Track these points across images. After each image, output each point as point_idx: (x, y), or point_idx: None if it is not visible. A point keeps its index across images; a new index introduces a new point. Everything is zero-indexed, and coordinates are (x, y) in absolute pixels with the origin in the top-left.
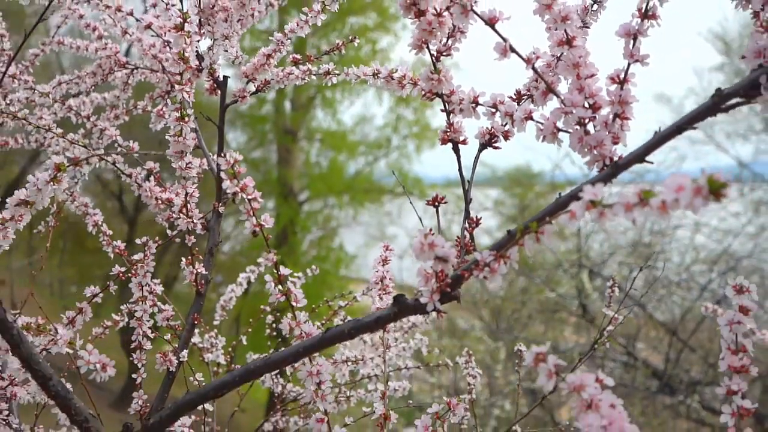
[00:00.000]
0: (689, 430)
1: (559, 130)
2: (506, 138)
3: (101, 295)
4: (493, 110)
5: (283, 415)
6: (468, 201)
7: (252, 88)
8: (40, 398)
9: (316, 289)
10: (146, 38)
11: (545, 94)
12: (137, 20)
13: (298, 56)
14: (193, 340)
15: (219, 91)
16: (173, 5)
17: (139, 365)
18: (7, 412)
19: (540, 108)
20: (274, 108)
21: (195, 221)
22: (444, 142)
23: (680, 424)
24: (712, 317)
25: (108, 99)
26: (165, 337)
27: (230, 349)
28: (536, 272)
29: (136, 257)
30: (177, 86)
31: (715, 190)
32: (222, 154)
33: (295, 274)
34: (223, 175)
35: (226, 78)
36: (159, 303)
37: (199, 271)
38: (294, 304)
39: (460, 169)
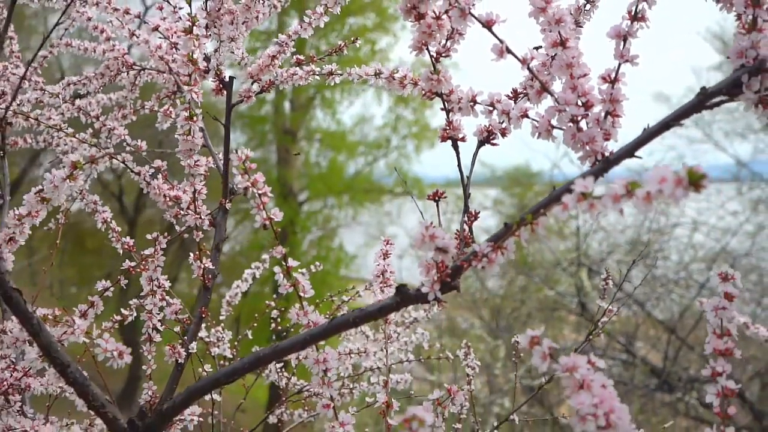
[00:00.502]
0: (688, 428)
1: (553, 127)
2: (503, 135)
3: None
4: (491, 108)
5: (287, 408)
6: (467, 196)
7: (256, 88)
8: (52, 389)
9: (317, 288)
10: (153, 40)
11: (540, 92)
12: (145, 23)
13: (302, 57)
14: (199, 334)
15: (225, 92)
16: (180, 8)
17: (149, 357)
18: (20, 404)
19: (535, 106)
20: (273, 108)
21: (203, 217)
22: (444, 139)
23: (679, 421)
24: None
25: (114, 99)
26: (174, 329)
27: (236, 343)
28: (535, 271)
29: (146, 252)
30: (186, 87)
31: (694, 181)
32: (235, 150)
33: (300, 270)
34: (234, 170)
35: (232, 78)
36: (167, 297)
37: (206, 265)
38: (302, 294)
39: (459, 166)
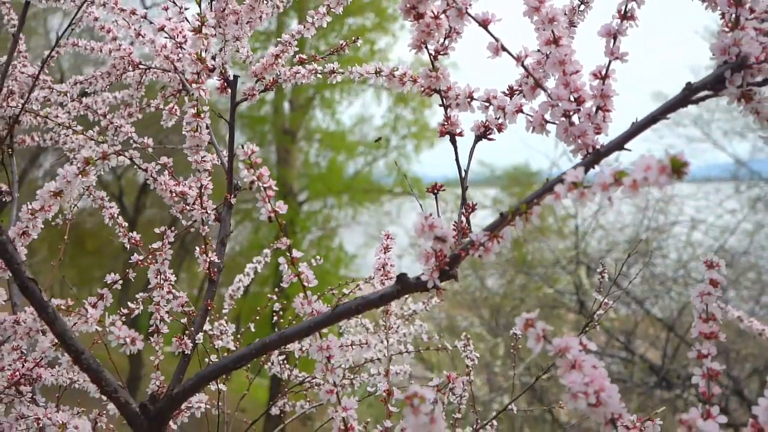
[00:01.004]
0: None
1: (546, 121)
2: (500, 130)
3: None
4: (487, 104)
5: (289, 400)
6: (464, 188)
7: (260, 86)
8: (62, 380)
9: (317, 288)
10: (159, 40)
11: (534, 89)
12: (151, 23)
13: (304, 56)
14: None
15: (229, 90)
16: (186, 8)
17: (157, 348)
18: (31, 394)
19: (530, 102)
20: (273, 109)
21: (209, 212)
22: (442, 134)
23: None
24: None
25: (119, 98)
26: (182, 321)
27: (239, 336)
28: (535, 270)
29: (154, 245)
30: (194, 84)
31: (677, 168)
32: (241, 146)
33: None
34: (240, 164)
35: (236, 77)
36: (174, 291)
37: (212, 259)
38: (306, 284)
39: (457, 160)
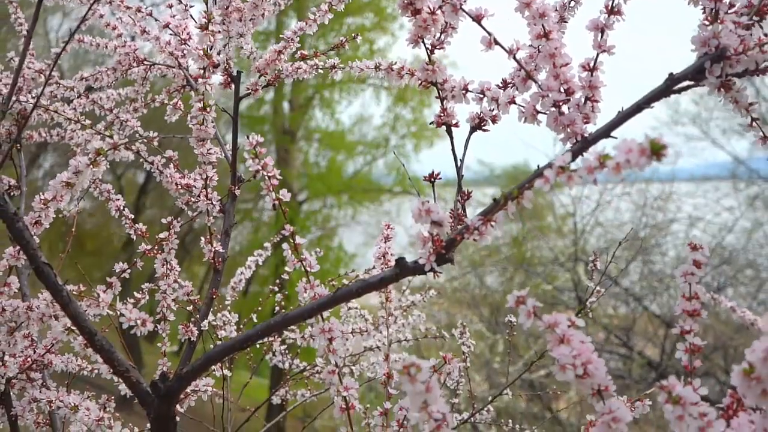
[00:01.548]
0: None
1: (537, 111)
2: (494, 121)
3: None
4: (481, 96)
5: (290, 389)
6: (460, 177)
7: (263, 81)
8: (72, 367)
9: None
10: (163, 36)
11: (525, 80)
12: (156, 20)
13: (306, 52)
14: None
15: (233, 85)
16: (191, 6)
17: (163, 335)
18: (41, 381)
19: (522, 93)
20: (272, 109)
21: (214, 203)
22: (438, 125)
23: None
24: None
25: (123, 93)
26: (188, 308)
27: (241, 326)
28: (534, 268)
29: (161, 235)
30: (200, 79)
31: (656, 150)
32: (247, 136)
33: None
34: (245, 155)
35: (239, 73)
36: (179, 280)
37: (216, 249)
38: (308, 269)
39: (453, 150)
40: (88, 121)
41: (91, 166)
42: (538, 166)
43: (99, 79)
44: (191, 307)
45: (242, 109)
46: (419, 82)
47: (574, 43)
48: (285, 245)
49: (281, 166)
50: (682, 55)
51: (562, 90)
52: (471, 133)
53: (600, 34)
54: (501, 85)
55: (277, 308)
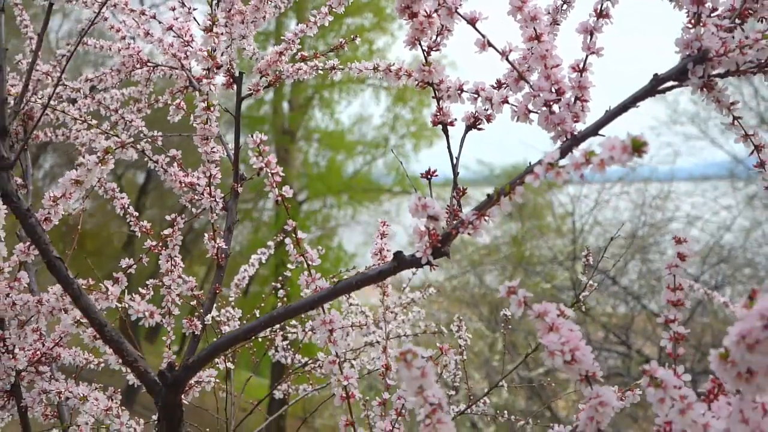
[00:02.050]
0: None
1: (529, 111)
2: (488, 120)
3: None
4: (476, 96)
5: (292, 383)
6: (456, 174)
7: (265, 82)
8: (79, 361)
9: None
10: (166, 38)
11: (517, 81)
12: (160, 23)
13: (306, 54)
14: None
15: (235, 86)
16: (194, 9)
17: (168, 328)
18: (50, 373)
19: (515, 93)
20: (272, 109)
21: (217, 200)
22: (434, 124)
23: None
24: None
25: (126, 94)
26: (192, 303)
27: (244, 322)
28: (534, 267)
29: (165, 232)
30: (204, 80)
31: (637, 147)
32: (250, 135)
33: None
34: (250, 153)
35: (241, 74)
36: (183, 276)
37: (220, 245)
38: (310, 262)
39: (449, 147)
40: (94, 121)
41: (100, 164)
42: (529, 164)
43: (103, 81)
44: (195, 301)
45: (242, 109)
46: (416, 82)
47: (567, 44)
48: (288, 241)
49: (281, 165)
50: (672, 56)
51: (553, 90)
52: (466, 131)
53: (589, 37)
54: (495, 85)
55: (279, 304)
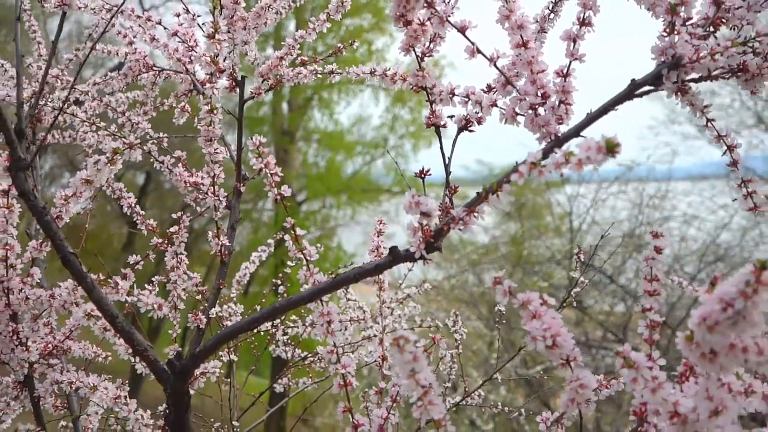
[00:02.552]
0: None
1: (517, 113)
2: (479, 123)
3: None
4: (466, 99)
5: (292, 377)
6: (448, 173)
7: (266, 85)
8: (88, 354)
9: None
10: (171, 44)
11: (505, 86)
12: (165, 28)
13: (306, 58)
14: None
15: (238, 89)
16: (198, 16)
17: (174, 322)
18: (60, 366)
19: (504, 97)
20: (271, 110)
21: (221, 199)
22: (428, 125)
23: None
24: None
25: (131, 96)
26: (197, 297)
27: (246, 317)
28: (532, 266)
29: (172, 229)
30: (208, 84)
31: (610, 148)
32: (250, 137)
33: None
34: (250, 154)
35: (243, 77)
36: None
37: (224, 242)
38: (308, 258)
39: (441, 148)
40: (103, 124)
41: (109, 164)
42: (516, 163)
43: (111, 84)
44: (200, 296)
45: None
46: (411, 87)
47: (554, 50)
48: (287, 237)
49: (280, 166)
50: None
51: (538, 94)
52: (458, 133)
53: (572, 44)
54: (486, 89)
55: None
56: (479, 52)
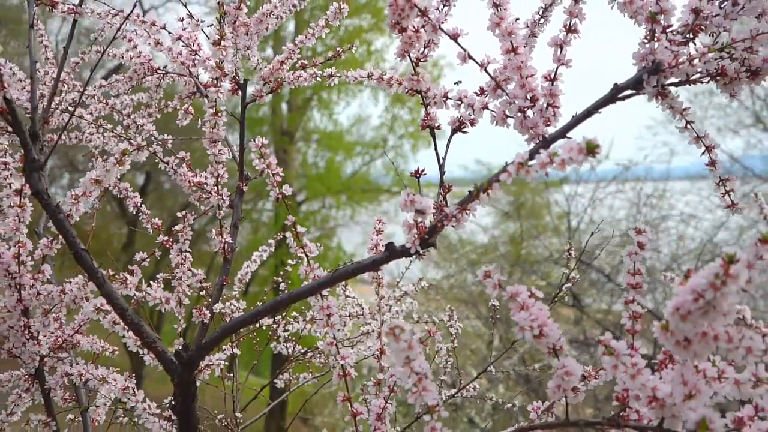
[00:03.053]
0: None
1: (507, 116)
2: (472, 124)
3: (147, 260)
4: (459, 102)
5: (293, 372)
6: (442, 173)
7: (267, 88)
8: (96, 348)
9: None
10: (175, 47)
11: (495, 89)
12: (169, 32)
13: (305, 62)
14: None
15: (240, 92)
16: (202, 21)
17: (179, 317)
18: (69, 359)
19: (494, 100)
20: (271, 110)
21: (224, 198)
22: (423, 127)
23: None
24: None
25: (135, 99)
26: (201, 294)
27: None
28: (531, 265)
29: (176, 227)
30: (212, 88)
31: (591, 149)
32: (252, 139)
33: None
34: (252, 155)
35: (246, 81)
36: (192, 269)
37: (227, 240)
38: (308, 254)
39: (435, 149)
40: (109, 125)
41: (118, 165)
42: (505, 163)
43: (116, 87)
44: (203, 292)
45: (240, 110)
46: (406, 90)
47: (543, 55)
48: (288, 235)
49: (280, 166)
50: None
51: (527, 97)
52: (452, 134)
53: (559, 49)
54: (478, 92)
55: None
56: (470, 57)
